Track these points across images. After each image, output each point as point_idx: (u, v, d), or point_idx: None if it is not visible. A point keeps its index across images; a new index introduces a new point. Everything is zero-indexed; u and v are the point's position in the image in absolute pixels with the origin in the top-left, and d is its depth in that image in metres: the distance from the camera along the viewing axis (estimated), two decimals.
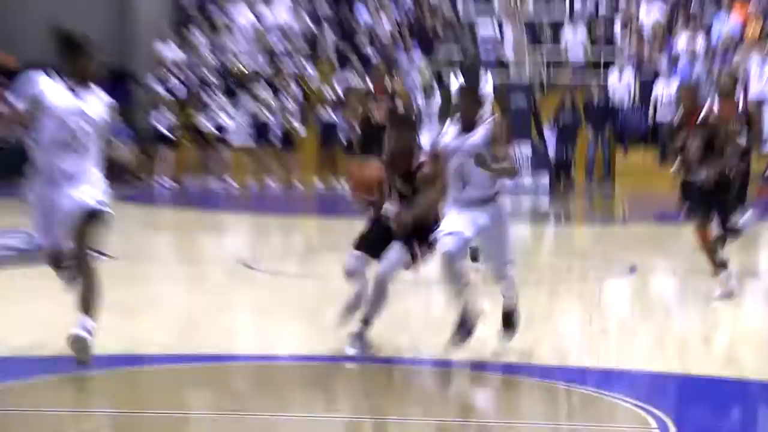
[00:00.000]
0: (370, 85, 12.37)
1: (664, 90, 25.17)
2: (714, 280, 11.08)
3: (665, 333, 9.65)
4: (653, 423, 6.70)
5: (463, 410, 7.49)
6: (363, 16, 28.09)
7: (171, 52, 27.34)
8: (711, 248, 11.21)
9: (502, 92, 22.72)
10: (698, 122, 11.11)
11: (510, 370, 8.20)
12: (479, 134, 8.20)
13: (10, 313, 10.01)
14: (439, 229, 8.22)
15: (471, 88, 8.88)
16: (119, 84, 28.03)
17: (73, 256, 7.77)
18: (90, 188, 7.69)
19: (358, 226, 8.92)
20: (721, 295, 10.94)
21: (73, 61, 7.65)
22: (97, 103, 7.75)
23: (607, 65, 26.53)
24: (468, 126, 8.27)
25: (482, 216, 8.23)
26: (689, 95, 11.46)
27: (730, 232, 11.69)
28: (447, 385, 8.16)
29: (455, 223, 8.17)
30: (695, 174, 11.11)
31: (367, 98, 12.57)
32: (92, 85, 7.77)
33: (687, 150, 11.13)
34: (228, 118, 26.22)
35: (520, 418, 7.21)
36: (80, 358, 7.61)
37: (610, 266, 13.02)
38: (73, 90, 7.64)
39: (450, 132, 8.38)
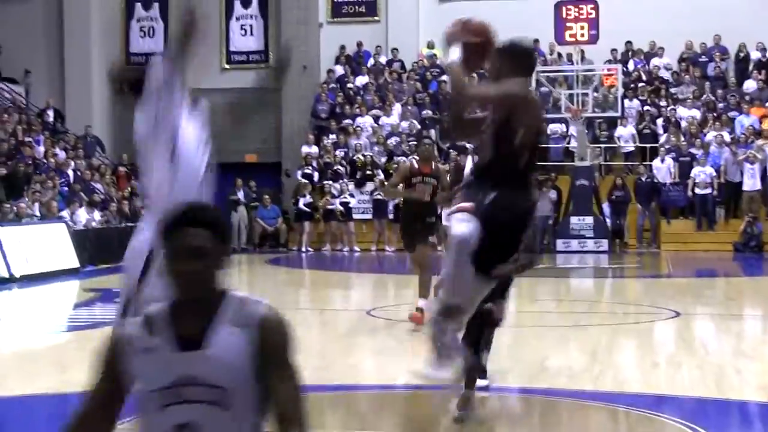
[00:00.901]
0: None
1: (699, 171, 24.89)
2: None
3: (705, 365, 9.35)
4: None
5: (540, 429, 7.31)
6: None
7: (310, 149, 27.58)
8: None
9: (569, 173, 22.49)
10: None
11: (579, 396, 8.00)
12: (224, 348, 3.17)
13: None
14: None
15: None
16: (274, 175, 28.45)
17: None
18: None
19: None
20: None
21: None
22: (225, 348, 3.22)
23: (652, 152, 26.24)
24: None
25: None
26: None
27: None
28: (527, 409, 7.97)
29: None
30: None
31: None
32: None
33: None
34: (352, 198, 26.33)
35: None
36: None
37: (658, 311, 12.70)
38: (181, 339, 3.17)
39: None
